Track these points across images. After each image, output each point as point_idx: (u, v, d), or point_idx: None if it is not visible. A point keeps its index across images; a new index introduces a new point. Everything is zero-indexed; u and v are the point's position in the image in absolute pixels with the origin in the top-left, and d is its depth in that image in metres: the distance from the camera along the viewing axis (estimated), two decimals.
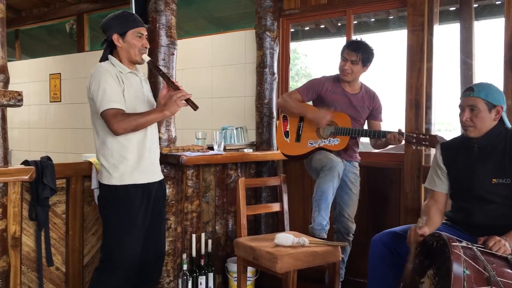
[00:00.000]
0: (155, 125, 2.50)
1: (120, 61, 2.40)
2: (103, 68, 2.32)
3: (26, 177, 2.14)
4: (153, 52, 2.98)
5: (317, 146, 3.06)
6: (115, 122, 2.21)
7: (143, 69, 2.68)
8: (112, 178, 2.31)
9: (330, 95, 3.10)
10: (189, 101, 2.30)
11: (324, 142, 3.05)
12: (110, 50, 2.43)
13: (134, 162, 2.34)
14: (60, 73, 5.52)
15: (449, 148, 2.46)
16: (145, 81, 2.56)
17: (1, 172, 2.08)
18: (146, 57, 2.40)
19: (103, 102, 2.23)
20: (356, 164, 3.20)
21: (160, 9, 2.97)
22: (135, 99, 2.38)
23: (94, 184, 2.68)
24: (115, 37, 2.36)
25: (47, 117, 5.73)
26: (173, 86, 2.34)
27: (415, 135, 2.83)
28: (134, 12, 3.01)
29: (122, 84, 2.32)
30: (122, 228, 2.33)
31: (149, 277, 2.51)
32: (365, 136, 3.03)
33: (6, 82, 2.19)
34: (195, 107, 2.30)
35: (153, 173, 2.45)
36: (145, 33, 2.42)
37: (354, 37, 3.57)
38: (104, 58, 2.42)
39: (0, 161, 2.18)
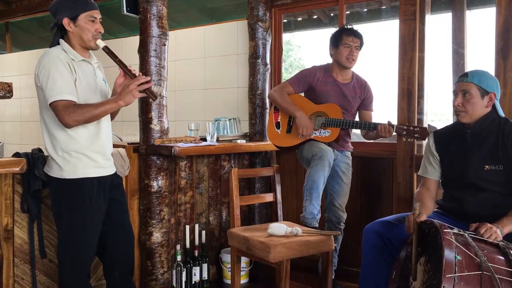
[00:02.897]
0: (108, 117, 2.34)
1: (72, 47, 2.22)
2: (54, 55, 2.15)
3: (17, 169, 2.13)
4: (144, 43, 2.96)
5: (307, 138, 3.06)
6: (66, 114, 2.06)
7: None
8: (63, 171, 2.17)
9: (321, 85, 3.10)
10: (147, 91, 2.15)
11: (315, 133, 3.04)
12: (61, 34, 2.24)
13: (86, 155, 2.20)
14: None
15: (442, 136, 2.47)
16: (99, 68, 2.39)
17: None
18: (100, 43, 2.22)
19: (53, 93, 2.08)
20: (348, 153, 3.20)
21: None
22: (87, 89, 2.22)
23: None
24: (65, 21, 2.18)
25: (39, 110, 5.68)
26: (130, 75, 2.19)
27: (405, 127, 2.82)
28: (124, 2, 2.97)
29: (75, 74, 2.17)
30: (77, 221, 2.20)
31: (121, 264, 2.41)
32: (356, 128, 3.02)
33: None
34: (154, 97, 2.19)
35: (108, 166, 2.33)
36: (99, 16, 2.24)
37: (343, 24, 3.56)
38: (54, 44, 2.24)
39: None
